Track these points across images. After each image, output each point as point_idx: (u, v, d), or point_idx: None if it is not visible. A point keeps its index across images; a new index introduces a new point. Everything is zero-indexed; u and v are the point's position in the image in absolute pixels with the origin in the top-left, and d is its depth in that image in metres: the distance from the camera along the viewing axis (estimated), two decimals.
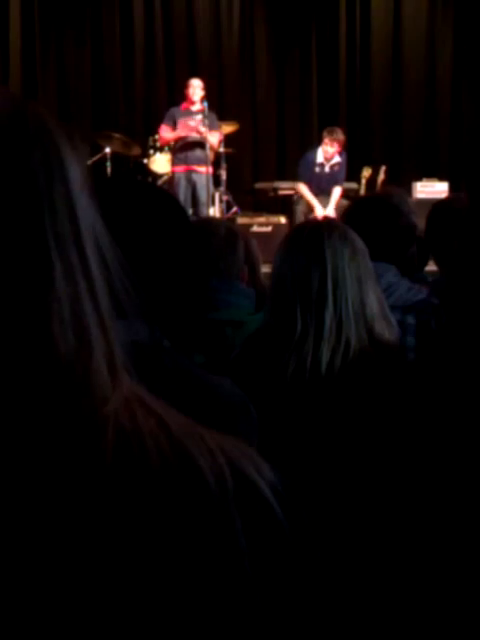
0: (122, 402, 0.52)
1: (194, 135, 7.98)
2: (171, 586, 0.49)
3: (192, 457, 0.52)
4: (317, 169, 8.31)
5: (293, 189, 8.65)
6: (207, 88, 8.30)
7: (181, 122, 8.03)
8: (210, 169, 8.04)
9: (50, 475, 0.48)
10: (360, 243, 1.78)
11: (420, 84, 10.72)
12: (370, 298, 1.73)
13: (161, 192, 1.39)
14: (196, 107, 8.10)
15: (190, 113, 8.11)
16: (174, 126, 8.11)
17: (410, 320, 2.36)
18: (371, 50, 10.78)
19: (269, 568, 0.52)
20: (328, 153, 8.25)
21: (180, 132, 8.01)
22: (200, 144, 7.98)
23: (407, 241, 2.59)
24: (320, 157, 8.30)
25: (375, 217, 2.53)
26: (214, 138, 8.09)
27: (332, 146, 8.20)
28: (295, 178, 8.62)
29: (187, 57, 10.57)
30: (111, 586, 0.47)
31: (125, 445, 0.50)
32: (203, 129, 7.85)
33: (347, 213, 2.71)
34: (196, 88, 8.12)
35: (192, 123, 7.99)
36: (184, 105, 8.20)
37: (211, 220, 3.77)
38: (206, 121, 7.95)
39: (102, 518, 0.48)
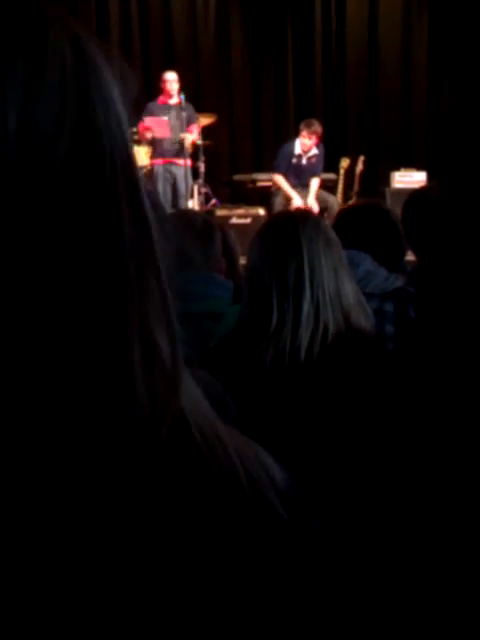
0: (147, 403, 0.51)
1: (171, 136, 7.97)
2: (172, 584, 0.49)
3: (206, 457, 0.52)
4: (294, 160, 8.32)
5: (270, 181, 8.65)
6: (184, 81, 8.28)
7: (156, 119, 7.98)
8: (188, 162, 8.04)
9: (61, 465, 0.47)
10: (333, 234, 1.79)
11: (396, 73, 10.75)
12: (346, 287, 1.74)
13: None
14: (174, 100, 8.09)
15: (168, 107, 8.07)
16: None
17: (388, 308, 2.37)
18: (347, 40, 10.80)
19: (273, 574, 0.53)
20: (306, 145, 8.27)
21: (155, 132, 7.96)
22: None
23: (402, 249, 2.65)
24: (298, 149, 8.31)
25: (372, 226, 2.57)
26: (192, 136, 8.11)
27: (310, 138, 8.22)
28: (272, 170, 8.62)
29: (163, 50, 10.53)
30: (112, 583, 0.47)
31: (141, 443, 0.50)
32: (182, 134, 7.84)
33: (339, 220, 2.73)
34: (172, 82, 8.09)
35: (165, 117, 7.94)
36: (161, 99, 8.17)
37: (188, 212, 3.76)
38: (184, 114, 7.93)
39: (105, 512, 0.48)
